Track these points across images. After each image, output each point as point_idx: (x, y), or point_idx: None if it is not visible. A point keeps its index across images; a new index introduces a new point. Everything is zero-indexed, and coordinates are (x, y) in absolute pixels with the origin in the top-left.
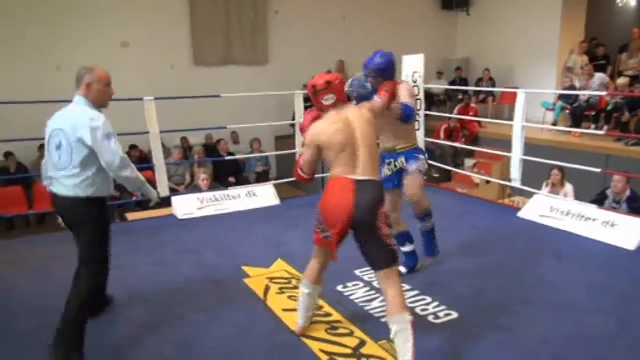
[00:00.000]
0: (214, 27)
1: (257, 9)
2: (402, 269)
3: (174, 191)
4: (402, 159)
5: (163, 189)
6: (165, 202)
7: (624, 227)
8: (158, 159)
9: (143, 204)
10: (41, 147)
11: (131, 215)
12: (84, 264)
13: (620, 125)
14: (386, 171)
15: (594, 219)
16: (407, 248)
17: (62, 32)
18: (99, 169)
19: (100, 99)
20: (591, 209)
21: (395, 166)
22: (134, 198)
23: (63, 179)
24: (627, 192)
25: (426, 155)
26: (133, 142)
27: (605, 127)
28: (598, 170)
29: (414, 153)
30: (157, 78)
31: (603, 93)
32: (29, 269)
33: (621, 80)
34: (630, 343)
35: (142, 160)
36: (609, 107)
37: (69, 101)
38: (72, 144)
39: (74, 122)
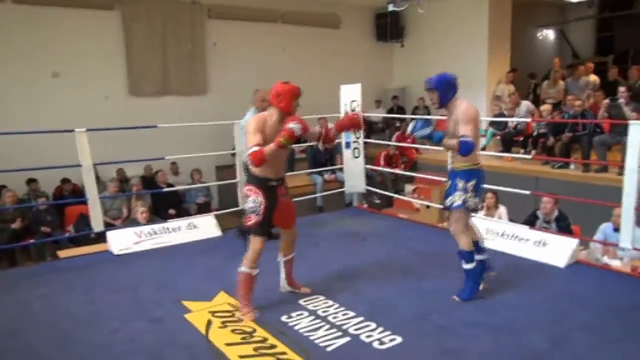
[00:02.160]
0: (151, 58)
1: (194, 40)
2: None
3: (110, 226)
4: (449, 183)
5: (97, 224)
6: (101, 237)
7: (554, 246)
8: (91, 193)
9: (77, 240)
10: None
11: (63, 253)
12: None
13: (547, 149)
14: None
15: (526, 239)
16: (478, 257)
17: None
18: None
19: (261, 108)
20: (524, 230)
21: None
22: (67, 234)
23: None
24: (556, 212)
25: (469, 182)
26: (67, 175)
27: (533, 152)
28: (528, 192)
29: (458, 178)
30: (90, 109)
31: (528, 120)
32: None
33: (544, 107)
34: (565, 359)
35: (77, 194)
36: (535, 133)
37: None
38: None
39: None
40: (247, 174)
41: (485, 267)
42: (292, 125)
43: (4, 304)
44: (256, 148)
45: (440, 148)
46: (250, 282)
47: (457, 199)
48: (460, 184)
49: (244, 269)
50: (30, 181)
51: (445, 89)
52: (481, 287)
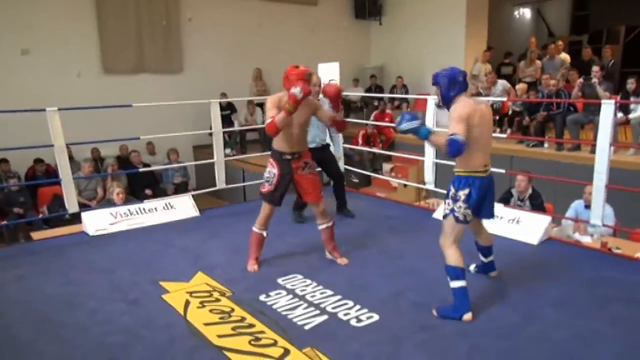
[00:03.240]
0: (124, 34)
1: (169, 16)
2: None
3: (85, 206)
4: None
5: (72, 205)
6: (76, 218)
7: (527, 223)
8: (65, 173)
9: (51, 222)
10: None
11: (37, 235)
12: None
13: (522, 128)
14: None
15: (501, 217)
16: (487, 259)
17: None
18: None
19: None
20: (498, 208)
21: None
22: (40, 215)
23: None
24: (530, 191)
25: (460, 190)
26: (39, 155)
27: (508, 131)
28: (503, 171)
29: (451, 185)
30: (62, 87)
31: (504, 99)
32: None
33: (519, 86)
34: (534, 333)
35: (50, 174)
36: (510, 112)
37: None
38: None
39: None
40: (270, 148)
41: (493, 267)
42: (293, 90)
43: None
44: (269, 120)
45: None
46: (259, 240)
47: (446, 207)
48: (452, 191)
49: (254, 228)
50: (1, 162)
51: (447, 86)
52: (494, 274)
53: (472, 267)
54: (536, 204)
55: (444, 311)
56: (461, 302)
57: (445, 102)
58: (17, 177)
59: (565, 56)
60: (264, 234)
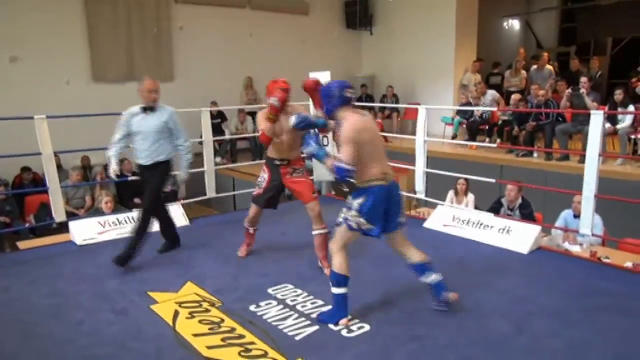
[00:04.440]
0: (115, 42)
1: (160, 24)
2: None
3: (73, 215)
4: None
5: (59, 214)
6: (63, 227)
7: (517, 233)
8: (53, 181)
9: (37, 231)
10: None
11: (23, 244)
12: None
13: (511, 138)
14: None
15: (491, 227)
16: (429, 279)
17: None
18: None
19: (147, 99)
20: (489, 217)
21: None
22: (27, 225)
23: None
24: (519, 200)
25: (355, 199)
26: (27, 163)
27: (498, 140)
28: (493, 180)
29: (350, 200)
30: (51, 95)
31: (494, 109)
32: None
33: (514, 96)
34: (526, 342)
35: (37, 183)
36: (500, 122)
37: None
38: None
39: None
40: (260, 157)
41: (443, 287)
42: (270, 99)
43: None
44: (261, 132)
45: (409, 136)
46: (247, 234)
47: (340, 216)
48: (348, 200)
49: (244, 224)
50: None
51: (325, 99)
52: (450, 295)
53: (434, 305)
54: (526, 214)
55: (323, 316)
56: (340, 308)
57: (327, 114)
58: (4, 185)
59: (549, 67)
60: (251, 230)
